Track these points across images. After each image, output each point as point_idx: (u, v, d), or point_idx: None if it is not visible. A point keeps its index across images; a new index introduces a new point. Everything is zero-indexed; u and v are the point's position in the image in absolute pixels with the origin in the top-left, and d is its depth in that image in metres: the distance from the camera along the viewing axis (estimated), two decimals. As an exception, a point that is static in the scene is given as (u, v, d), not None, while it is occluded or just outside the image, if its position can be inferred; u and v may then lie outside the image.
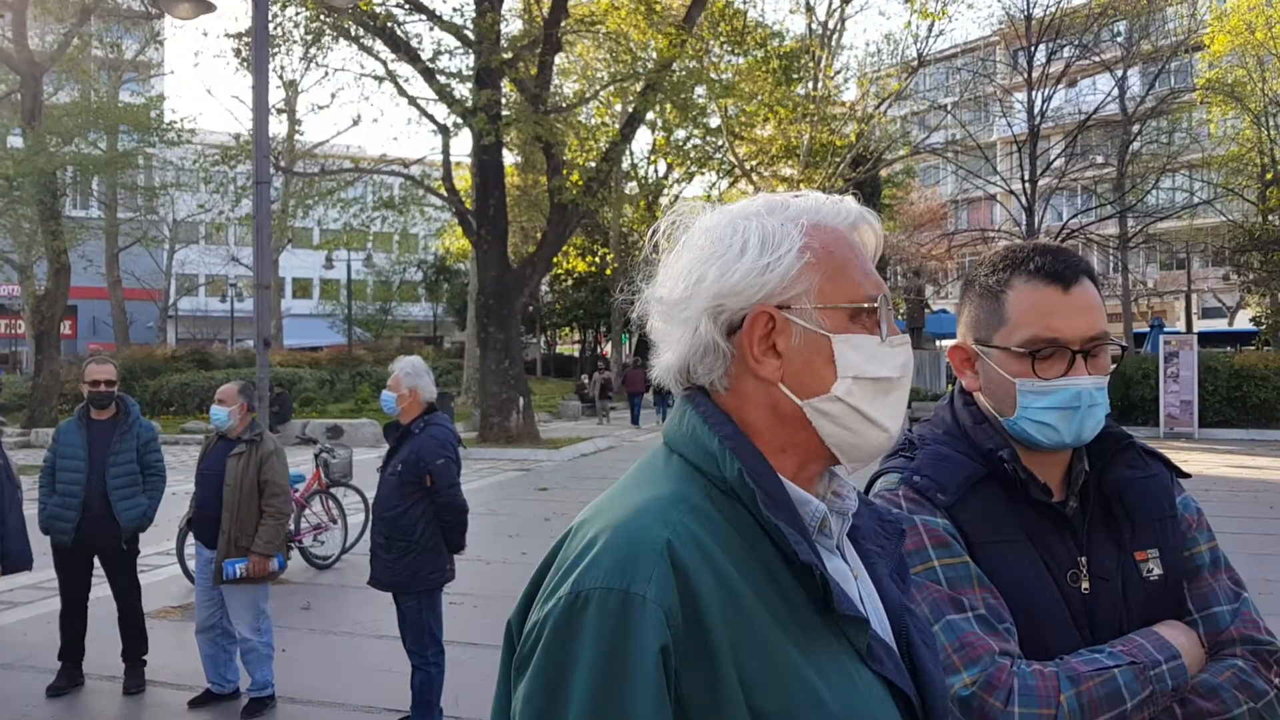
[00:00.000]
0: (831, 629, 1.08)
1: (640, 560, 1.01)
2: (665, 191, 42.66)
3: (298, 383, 29.42)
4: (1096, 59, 31.71)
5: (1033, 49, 29.48)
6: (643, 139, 37.26)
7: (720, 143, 35.45)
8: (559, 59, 23.75)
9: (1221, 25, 31.63)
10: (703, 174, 41.83)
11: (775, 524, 1.07)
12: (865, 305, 1.16)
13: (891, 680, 1.11)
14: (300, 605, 8.07)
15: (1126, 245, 32.14)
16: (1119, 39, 33.83)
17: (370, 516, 8.64)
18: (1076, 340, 1.59)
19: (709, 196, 41.50)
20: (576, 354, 53.72)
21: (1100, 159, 35.21)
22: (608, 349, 47.77)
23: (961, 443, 1.66)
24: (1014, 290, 1.63)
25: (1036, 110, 28.85)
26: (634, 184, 42.07)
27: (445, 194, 22.40)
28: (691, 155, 39.80)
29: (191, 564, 8.34)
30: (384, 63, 21.57)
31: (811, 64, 31.30)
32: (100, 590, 6.43)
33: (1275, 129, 29.09)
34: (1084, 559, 1.58)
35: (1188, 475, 1.72)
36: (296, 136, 33.61)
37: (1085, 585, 1.56)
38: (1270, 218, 28.78)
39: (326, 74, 50.09)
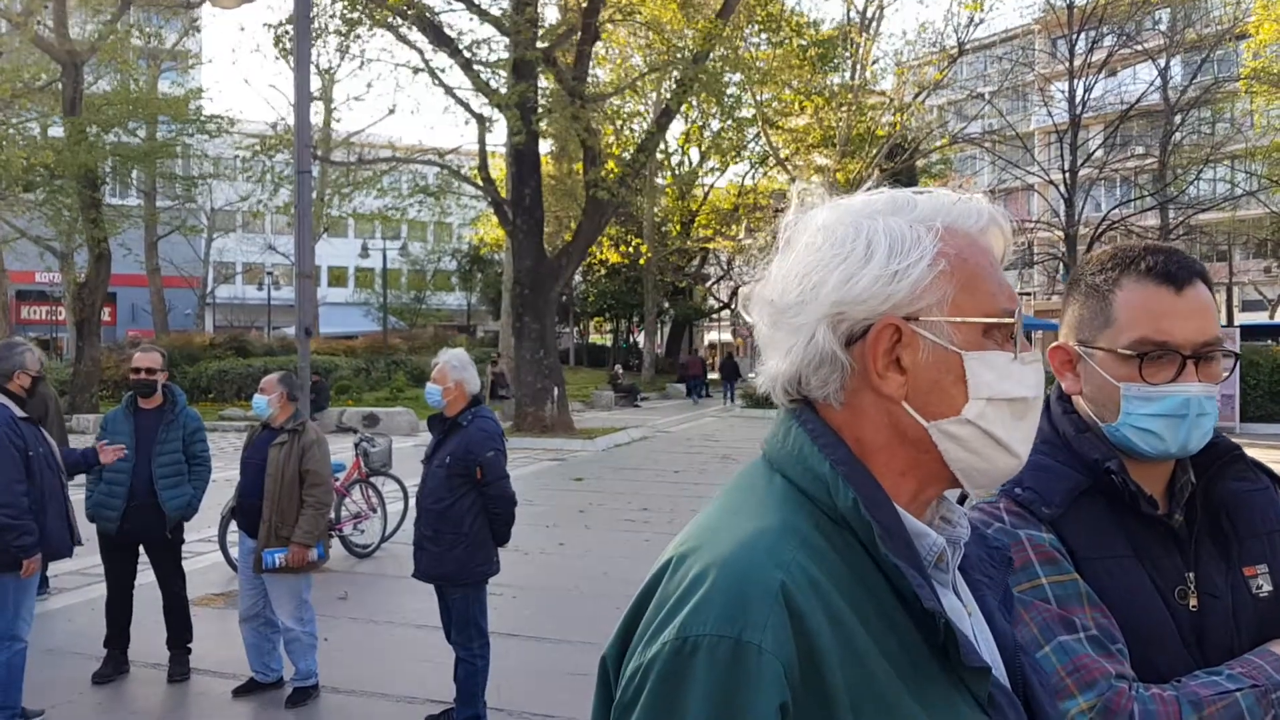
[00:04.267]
0: (951, 678, 1.00)
1: (753, 604, 0.92)
2: (698, 181, 42.51)
3: (334, 371, 29.57)
4: (1139, 48, 31.26)
5: (1074, 37, 29.09)
6: (676, 128, 37.07)
7: (754, 132, 35.25)
8: (594, 46, 23.61)
9: (1268, 13, 30.96)
10: (736, 163, 41.65)
11: (895, 564, 0.98)
12: (1002, 320, 1.06)
13: None
14: (338, 595, 8.10)
15: (1167, 237, 31.65)
16: (1161, 27, 33.31)
17: (409, 506, 8.69)
18: (1188, 345, 1.51)
19: (741, 187, 41.47)
20: (609, 344, 53.72)
21: (1141, 149, 34.73)
22: (640, 339, 47.74)
23: (1063, 452, 1.58)
24: (1123, 290, 1.55)
25: (1078, 99, 28.47)
26: (667, 173, 41.94)
27: (481, 183, 22.39)
28: (725, 146, 39.62)
29: (234, 552, 8.39)
30: (420, 52, 21.58)
31: (850, 51, 31.03)
32: (145, 577, 6.48)
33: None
34: (1191, 575, 1.51)
35: None
36: (333, 125, 33.74)
37: (1194, 603, 1.49)
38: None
39: (362, 64, 50.13)
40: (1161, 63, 31.54)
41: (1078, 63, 28.95)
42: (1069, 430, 1.60)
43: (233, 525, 8.31)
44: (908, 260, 1.04)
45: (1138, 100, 30.30)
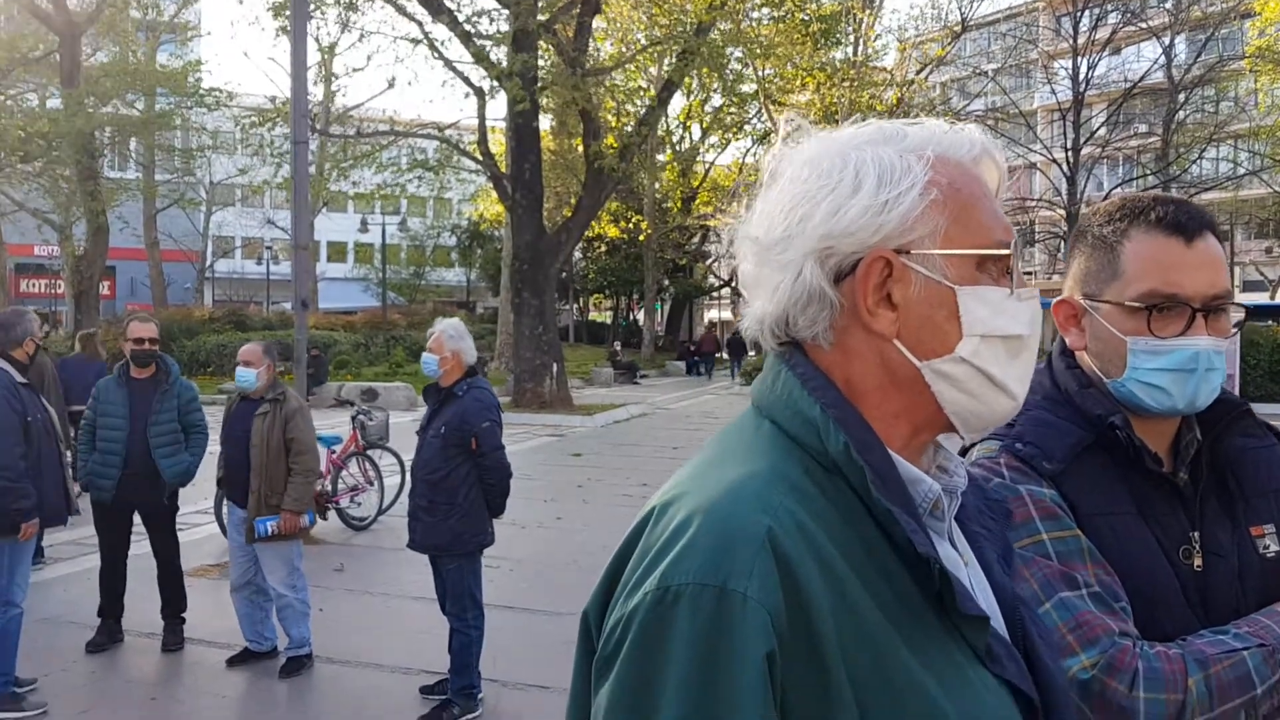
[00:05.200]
0: (947, 627, 0.95)
1: (738, 551, 0.88)
2: (699, 158, 42.34)
3: (332, 345, 29.56)
4: (1143, 25, 31.11)
5: (1078, 14, 28.92)
6: (676, 104, 36.94)
7: (756, 108, 35.10)
8: (595, 21, 23.44)
9: (1274, -9, 30.80)
10: (738, 140, 41.48)
11: (888, 509, 0.94)
12: (997, 251, 1.01)
13: (1013, 683, 0.99)
14: (334, 567, 8.08)
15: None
16: (1167, 5, 33.13)
17: (406, 479, 8.68)
18: (1198, 297, 1.45)
19: (742, 164, 41.32)
20: (609, 320, 53.66)
21: (1144, 128, 34.59)
22: (641, 316, 47.69)
23: (1065, 408, 1.53)
24: (1131, 241, 1.50)
25: (1081, 77, 28.34)
26: (668, 149, 41.76)
27: (480, 158, 22.28)
28: (727, 121, 39.44)
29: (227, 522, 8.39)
30: (420, 24, 21.43)
31: (853, 27, 30.85)
32: (139, 547, 6.47)
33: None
34: (1196, 534, 1.47)
35: None
36: (334, 99, 33.57)
37: (1198, 562, 1.45)
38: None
39: (362, 36, 49.78)
40: (1166, 41, 31.40)
41: (1081, 40, 28.84)
42: (1071, 385, 1.55)
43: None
44: (897, 189, 0.98)
45: (1141, 78, 30.19)
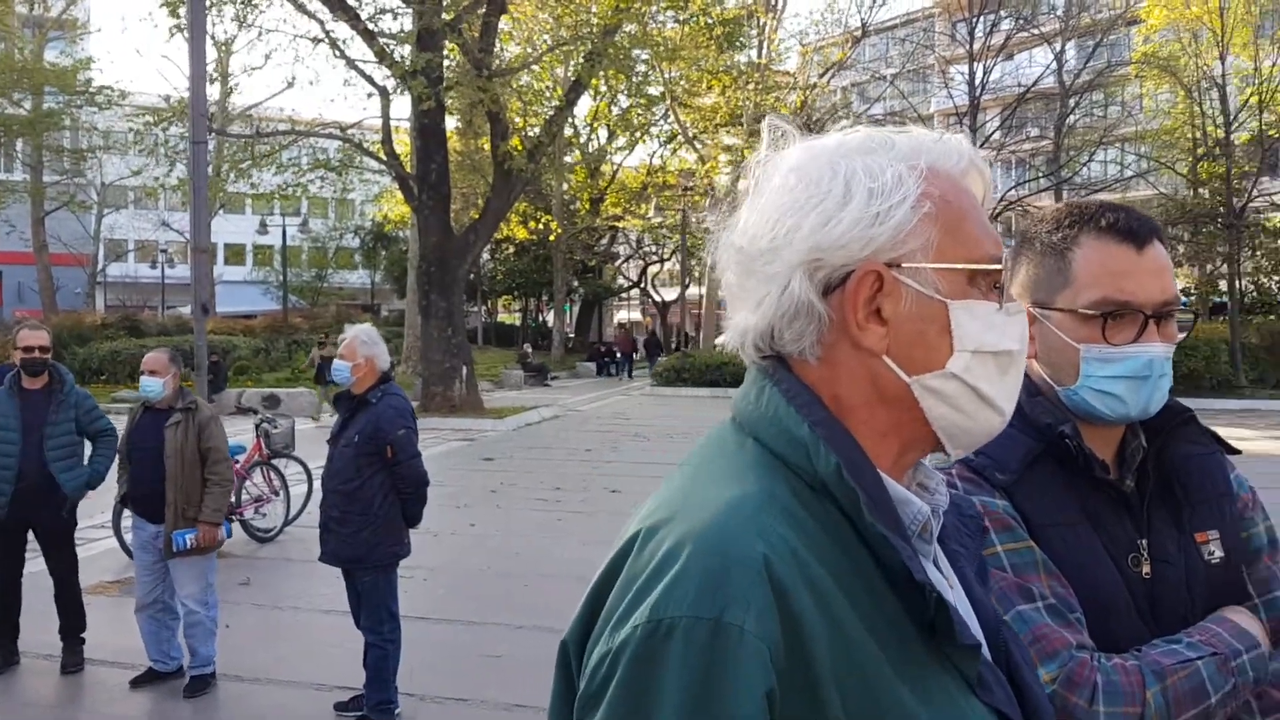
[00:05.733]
0: (937, 654, 0.93)
1: (734, 581, 0.83)
2: (607, 159, 42.38)
3: (232, 351, 28.79)
4: (1035, 32, 32.02)
5: (974, 20, 29.65)
6: (584, 106, 36.90)
7: (662, 110, 35.28)
8: (502, 22, 23.24)
9: (1157, -1, 32.06)
10: (644, 142, 41.63)
11: (882, 534, 0.90)
12: (990, 266, 0.99)
13: (1002, 710, 0.96)
14: (239, 581, 7.85)
15: (1062, 217, 32.51)
16: (1057, 12, 34.18)
17: (314, 489, 8.47)
18: (1150, 304, 1.45)
19: (650, 166, 41.48)
20: (518, 322, 53.35)
21: (1036, 131, 35.62)
22: (550, 318, 47.51)
23: (1015, 417, 1.52)
24: (1082, 248, 1.49)
25: (977, 82, 29.05)
26: (575, 151, 41.69)
27: (384, 158, 21.93)
28: (634, 123, 39.54)
29: (128, 537, 8.09)
30: (321, 22, 20.99)
31: (756, 31, 31.19)
32: (35, 564, 6.19)
33: (1207, 103, 29.56)
34: (1144, 541, 1.47)
35: (1238, 452, 1.61)
36: (230, 99, 32.73)
37: (1146, 569, 1.45)
38: (1200, 191, 29.34)
39: (260, 34, 48.65)
40: (1057, 47, 32.36)
41: (977, 46, 29.53)
42: (1020, 394, 1.54)
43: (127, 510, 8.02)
44: (890, 201, 0.96)
45: (1034, 84, 31.07)
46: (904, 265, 0.96)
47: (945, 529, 1.06)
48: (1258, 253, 29.58)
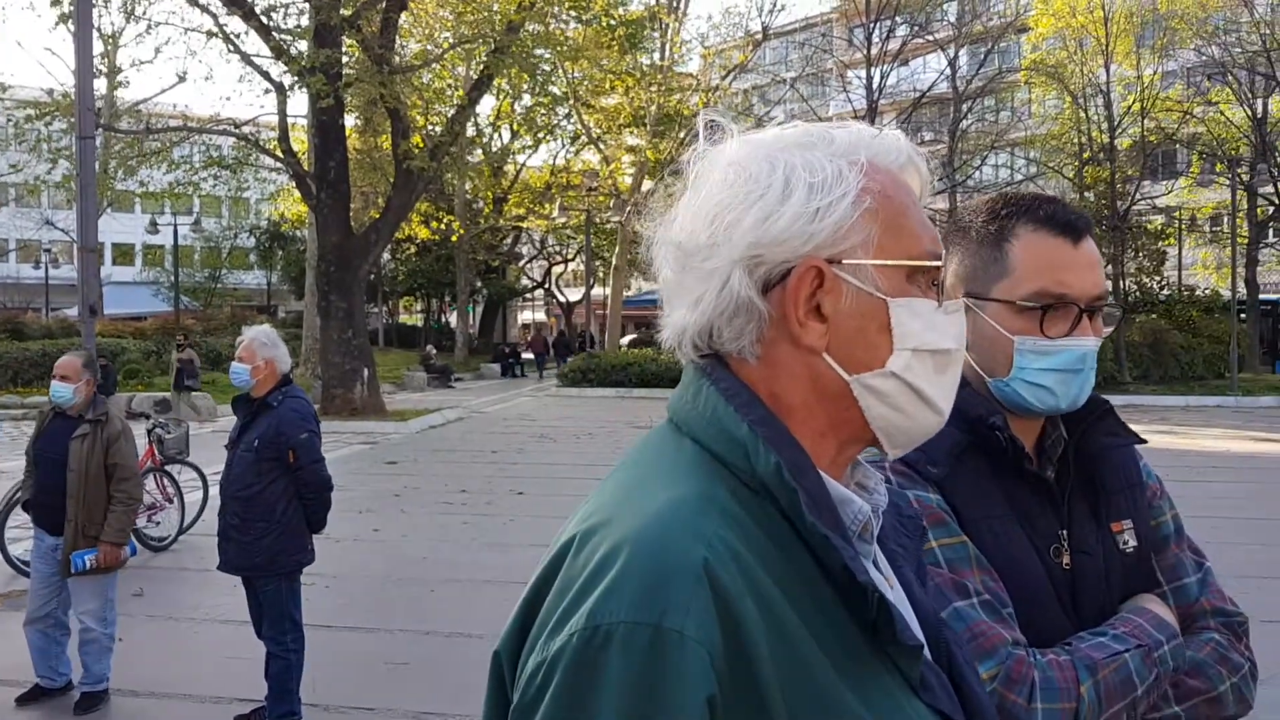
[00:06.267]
0: (879, 656, 0.91)
1: (673, 585, 0.81)
2: (510, 159, 42.12)
3: (121, 354, 27.81)
4: (930, 38, 32.83)
5: (870, 26, 30.27)
6: (487, 105, 36.61)
7: (566, 110, 35.20)
8: (402, 19, 22.89)
9: (1046, 8, 33.13)
10: (548, 142, 41.47)
11: (824, 535, 0.88)
12: (930, 263, 0.98)
13: (945, 712, 0.95)
14: (133, 592, 7.55)
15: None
16: (950, 19, 35.10)
17: (210, 495, 8.19)
18: (1084, 298, 1.46)
19: (553, 166, 41.32)
20: (420, 323, 52.63)
21: (931, 135, 36.54)
22: (453, 319, 47.00)
23: None
24: (1019, 239, 1.49)
25: (875, 86, 29.67)
26: (479, 151, 41.33)
27: (281, 155, 21.44)
28: (538, 122, 39.36)
29: (17, 548, 7.76)
30: (214, 16, 20.42)
31: (659, 32, 31.34)
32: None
33: (1093, 109, 30.66)
34: (1065, 532, 1.48)
35: (1144, 441, 1.63)
36: (118, 93, 31.61)
37: (1066, 560, 1.46)
38: (1087, 195, 30.41)
39: (149, 28, 47.11)
40: (950, 53, 33.22)
41: (874, 51, 30.16)
42: None
43: (13, 520, 7.69)
44: (830, 197, 0.94)
45: (929, 89, 31.87)
46: (844, 261, 0.95)
47: (884, 528, 1.05)
48: (1140, 254, 30.83)
